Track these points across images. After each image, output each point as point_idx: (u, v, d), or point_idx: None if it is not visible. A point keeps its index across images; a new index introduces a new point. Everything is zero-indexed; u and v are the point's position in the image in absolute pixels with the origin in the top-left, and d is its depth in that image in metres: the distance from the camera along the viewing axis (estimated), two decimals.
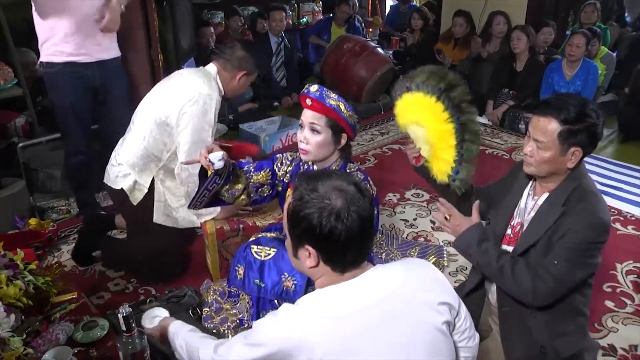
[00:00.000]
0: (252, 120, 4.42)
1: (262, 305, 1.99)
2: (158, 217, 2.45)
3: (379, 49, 5.06)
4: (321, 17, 6.68)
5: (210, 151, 1.82)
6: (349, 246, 1.18)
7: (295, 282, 1.86)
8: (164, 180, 2.44)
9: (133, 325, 1.51)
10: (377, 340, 1.14)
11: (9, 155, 3.30)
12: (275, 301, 1.98)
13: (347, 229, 1.15)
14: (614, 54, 5.09)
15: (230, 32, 5.37)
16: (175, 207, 2.46)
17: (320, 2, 6.77)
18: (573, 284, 1.65)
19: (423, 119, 1.81)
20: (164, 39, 3.29)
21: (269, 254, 1.94)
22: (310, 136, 1.84)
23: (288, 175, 2.06)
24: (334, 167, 1.93)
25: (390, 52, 6.01)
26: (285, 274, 1.88)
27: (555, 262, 1.61)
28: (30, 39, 4.09)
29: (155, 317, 1.88)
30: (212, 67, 2.44)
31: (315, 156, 1.88)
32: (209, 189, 1.87)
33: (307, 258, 1.21)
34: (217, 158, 1.79)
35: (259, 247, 1.98)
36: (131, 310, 1.50)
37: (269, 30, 5.22)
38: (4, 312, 1.56)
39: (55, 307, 1.86)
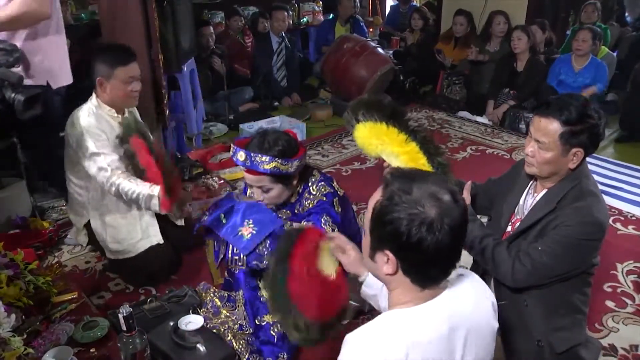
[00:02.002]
0: (253, 120, 4.42)
1: (256, 310, 1.98)
2: (109, 255, 2.48)
3: (379, 49, 5.06)
4: (321, 17, 6.68)
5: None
6: (436, 261, 1.09)
7: (254, 232, 1.77)
8: (103, 216, 2.44)
9: (134, 325, 1.51)
10: None
11: (9, 155, 3.30)
12: (262, 299, 1.97)
13: (437, 242, 1.04)
14: (615, 54, 5.09)
15: (230, 32, 5.37)
16: (115, 250, 2.44)
17: (321, 2, 6.77)
18: (555, 274, 1.66)
19: (386, 146, 1.81)
20: (164, 39, 3.29)
21: (246, 200, 1.90)
22: (263, 194, 1.84)
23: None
24: (297, 190, 1.92)
25: (391, 52, 6.01)
26: (250, 221, 1.80)
27: (539, 248, 1.64)
28: None
29: (189, 322, 1.88)
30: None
31: (278, 202, 1.89)
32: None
33: (385, 263, 1.12)
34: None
35: (241, 195, 1.95)
36: (132, 310, 1.51)
37: (270, 30, 5.22)
38: (5, 312, 1.56)
39: (55, 307, 1.87)
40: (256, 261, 1.79)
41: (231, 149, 1.80)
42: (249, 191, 1.88)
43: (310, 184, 1.96)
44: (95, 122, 2.31)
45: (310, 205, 1.94)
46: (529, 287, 1.71)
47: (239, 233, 1.79)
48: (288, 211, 1.97)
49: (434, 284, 1.13)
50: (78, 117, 2.33)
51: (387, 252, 1.10)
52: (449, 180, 1.85)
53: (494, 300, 1.26)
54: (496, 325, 1.24)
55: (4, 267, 1.75)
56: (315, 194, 1.94)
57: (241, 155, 1.75)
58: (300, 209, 1.94)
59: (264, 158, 1.73)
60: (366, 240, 1.17)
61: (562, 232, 1.62)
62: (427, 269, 1.10)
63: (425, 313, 1.11)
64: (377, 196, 1.12)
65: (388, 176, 1.13)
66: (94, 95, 2.39)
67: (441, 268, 1.11)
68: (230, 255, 1.82)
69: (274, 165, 1.73)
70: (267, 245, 1.78)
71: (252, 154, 1.74)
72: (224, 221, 1.85)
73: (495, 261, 1.70)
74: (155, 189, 2.30)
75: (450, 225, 1.05)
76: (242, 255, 1.81)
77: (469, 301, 1.18)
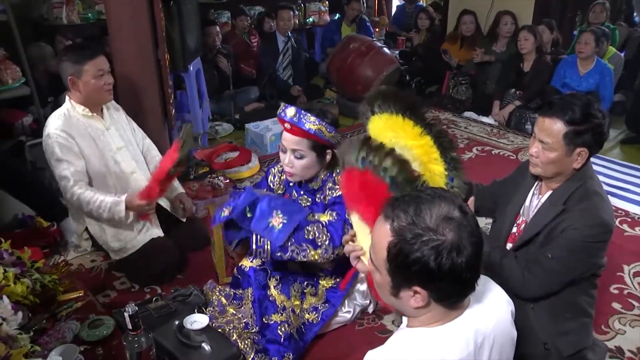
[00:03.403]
0: (258, 119, 4.42)
1: (265, 309, 1.98)
2: (114, 256, 2.51)
3: (385, 49, 5.05)
4: (327, 17, 6.69)
5: None
6: (470, 277, 1.05)
7: (284, 221, 1.79)
8: (100, 219, 2.43)
9: (139, 323, 1.51)
10: None
11: (17, 153, 3.32)
12: (278, 304, 1.97)
13: (468, 260, 1.01)
14: (622, 54, 5.06)
15: (237, 31, 5.37)
16: (118, 248, 2.46)
17: (327, 2, 6.77)
18: (567, 279, 1.65)
19: (400, 139, 1.76)
20: (171, 38, 3.29)
21: (267, 193, 1.93)
22: (294, 160, 1.83)
23: (282, 186, 2.06)
24: (321, 177, 1.91)
25: (397, 52, 6.00)
26: (279, 211, 1.82)
27: (549, 255, 1.63)
28: (39, 34, 4.16)
29: (194, 322, 1.88)
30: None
31: (302, 177, 1.90)
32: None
33: (412, 298, 1.07)
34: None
35: (257, 190, 1.96)
36: (137, 308, 1.51)
37: (276, 29, 5.22)
38: (12, 309, 1.56)
39: (61, 305, 1.87)
40: (281, 252, 1.79)
41: (281, 106, 1.81)
42: (281, 157, 1.87)
43: (334, 173, 1.96)
44: (63, 125, 2.30)
45: (334, 194, 1.93)
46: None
47: (270, 224, 1.80)
48: (309, 198, 1.97)
49: (463, 300, 1.11)
50: (48, 121, 2.34)
51: (416, 287, 1.05)
52: (461, 177, 1.81)
53: (513, 308, 1.25)
54: (515, 333, 1.22)
55: (11, 265, 1.76)
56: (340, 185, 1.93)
57: (291, 111, 1.77)
58: (322, 197, 1.93)
59: (312, 118, 1.76)
60: (383, 279, 1.10)
61: (570, 235, 1.61)
62: (461, 290, 1.07)
63: (453, 332, 1.08)
64: (386, 235, 1.04)
65: (389, 210, 1.06)
66: (67, 97, 2.38)
67: (472, 282, 1.08)
68: (254, 247, 1.83)
69: (319, 127, 1.76)
70: (292, 240, 1.80)
71: (302, 111, 1.77)
72: (249, 215, 1.85)
73: (504, 274, 1.68)
74: (121, 195, 2.32)
75: (471, 240, 1.02)
76: (266, 247, 1.80)
77: (493, 313, 1.16)
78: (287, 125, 1.80)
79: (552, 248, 1.63)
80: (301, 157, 1.82)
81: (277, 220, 1.81)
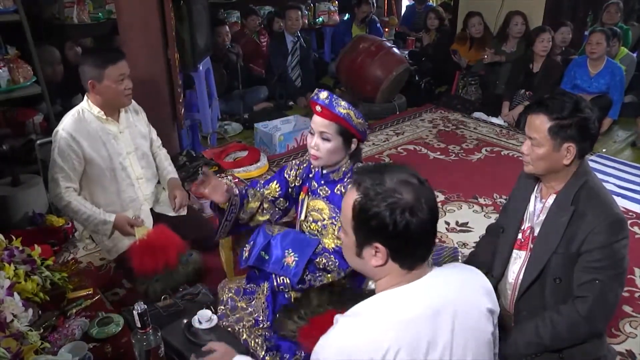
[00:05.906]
0: (267, 119, 4.43)
1: (277, 305, 1.98)
2: (107, 256, 2.53)
3: (395, 49, 5.04)
4: (337, 17, 6.68)
5: None
6: (422, 240, 1.16)
7: (297, 259, 1.90)
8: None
9: (148, 322, 1.52)
10: (440, 345, 1.13)
11: (27, 152, 3.34)
12: (286, 295, 1.97)
13: (422, 223, 1.12)
14: (635, 55, 5.01)
15: (246, 31, 5.39)
16: (111, 247, 2.47)
17: (337, 2, 6.77)
18: (622, 289, 1.65)
19: None
20: (181, 38, 3.30)
21: (279, 231, 2.00)
22: (321, 143, 1.87)
23: (299, 178, 2.10)
24: (343, 169, 1.95)
25: (406, 52, 5.99)
26: (290, 249, 1.92)
27: (596, 280, 1.60)
28: (49, 36, 4.19)
29: (203, 320, 1.91)
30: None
31: (326, 162, 1.93)
32: (229, 220, 2.01)
33: (373, 257, 1.17)
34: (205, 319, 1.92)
35: (271, 226, 2.05)
36: (146, 307, 1.51)
37: (284, 29, 5.23)
38: (22, 306, 1.57)
39: (71, 302, 1.88)
40: (300, 284, 1.91)
41: (315, 91, 1.90)
42: (308, 140, 1.94)
43: (355, 166, 1.98)
44: (72, 125, 2.31)
45: None
46: (556, 303, 1.69)
47: (285, 263, 1.91)
48: (328, 189, 2.00)
49: (420, 263, 1.19)
50: (63, 119, 2.36)
51: (376, 244, 1.15)
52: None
53: (489, 286, 1.27)
54: (490, 329, 1.22)
55: (21, 262, 1.77)
56: None
57: (324, 94, 1.85)
58: (342, 189, 1.96)
59: (343, 102, 1.83)
60: (348, 240, 1.22)
61: (597, 243, 1.60)
62: (414, 250, 1.17)
63: (412, 292, 1.16)
64: (352, 196, 1.17)
65: (357, 176, 1.21)
66: (85, 97, 2.39)
67: (426, 246, 1.18)
68: (276, 284, 1.94)
69: (348, 112, 1.83)
70: (307, 272, 1.90)
71: (334, 96, 1.84)
72: (266, 257, 1.95)
73: (565, 327, 1.64)
74: (111, 216, 2.37)
75: (428, 204, 1.14)
76: (286, 282, 1.91)
77: (453, 282, 1.22)
78: (318, 108, 1.86)
79: (591, 269, 1.61)
80: (328, 140, 1.87)
81: (290, 259, 1.91)
